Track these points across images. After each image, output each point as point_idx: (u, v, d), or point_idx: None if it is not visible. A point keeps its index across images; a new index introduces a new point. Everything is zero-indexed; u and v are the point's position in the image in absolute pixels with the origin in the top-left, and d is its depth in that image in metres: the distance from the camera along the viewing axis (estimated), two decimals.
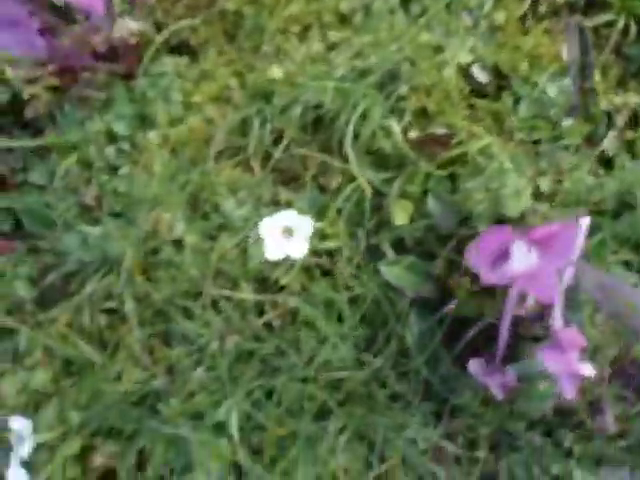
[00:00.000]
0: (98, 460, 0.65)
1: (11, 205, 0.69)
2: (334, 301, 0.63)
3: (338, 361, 0.60)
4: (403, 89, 0.64)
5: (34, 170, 0.71)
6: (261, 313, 0.65)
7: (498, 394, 0.57)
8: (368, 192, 0.62)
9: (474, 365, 0.58)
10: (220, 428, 0.61)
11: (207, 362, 0.60)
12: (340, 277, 0.64)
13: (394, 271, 0.61)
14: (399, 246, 0.66)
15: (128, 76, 0.69)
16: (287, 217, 0.55)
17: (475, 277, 0.59)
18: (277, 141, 0.67)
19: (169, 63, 0.71)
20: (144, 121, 0.71)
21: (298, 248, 0.55)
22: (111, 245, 0.62)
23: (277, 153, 0.66)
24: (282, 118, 0.66)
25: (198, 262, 0.64)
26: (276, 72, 0.63)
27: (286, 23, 0.69)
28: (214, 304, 0.63)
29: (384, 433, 0.59)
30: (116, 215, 0.67)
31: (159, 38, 0.69)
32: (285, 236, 0.55)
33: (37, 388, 0.63)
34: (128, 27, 0.64)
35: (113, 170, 0.70)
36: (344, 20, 0.70)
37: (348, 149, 0.62)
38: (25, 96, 0.67)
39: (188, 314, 0.63)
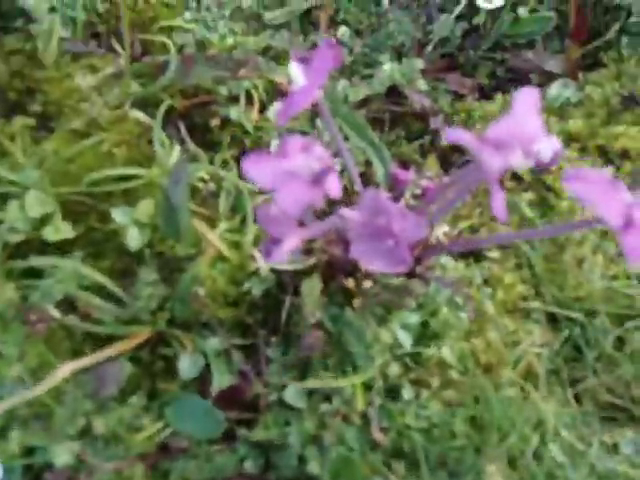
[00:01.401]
0: None
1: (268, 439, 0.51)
2: None
3: None
4: None
5: (288, 390, 0.55)
6: None
7: None
8: None
9: None
10: None
11: None
12: None
13: None
14: None
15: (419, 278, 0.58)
16: None
17: None
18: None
19: (451, 266, 0.62)
20: (425, 332, 0.59)
21: None
22: None
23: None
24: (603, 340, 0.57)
25: None
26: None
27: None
28: None
29: None
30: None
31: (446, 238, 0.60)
32: None
33: None
34: (444, 229, 0.55)
35: (391, 388, 0.56)
36: None
37: None
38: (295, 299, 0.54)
39: None
